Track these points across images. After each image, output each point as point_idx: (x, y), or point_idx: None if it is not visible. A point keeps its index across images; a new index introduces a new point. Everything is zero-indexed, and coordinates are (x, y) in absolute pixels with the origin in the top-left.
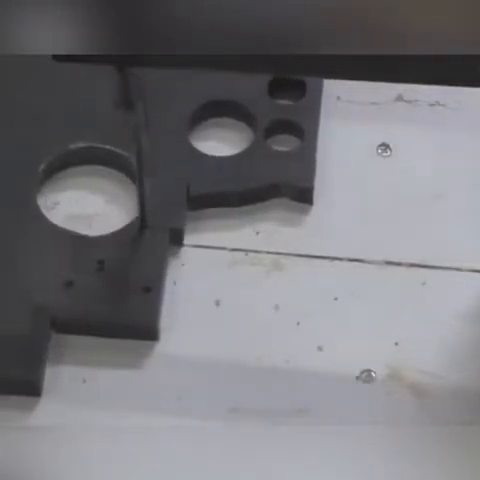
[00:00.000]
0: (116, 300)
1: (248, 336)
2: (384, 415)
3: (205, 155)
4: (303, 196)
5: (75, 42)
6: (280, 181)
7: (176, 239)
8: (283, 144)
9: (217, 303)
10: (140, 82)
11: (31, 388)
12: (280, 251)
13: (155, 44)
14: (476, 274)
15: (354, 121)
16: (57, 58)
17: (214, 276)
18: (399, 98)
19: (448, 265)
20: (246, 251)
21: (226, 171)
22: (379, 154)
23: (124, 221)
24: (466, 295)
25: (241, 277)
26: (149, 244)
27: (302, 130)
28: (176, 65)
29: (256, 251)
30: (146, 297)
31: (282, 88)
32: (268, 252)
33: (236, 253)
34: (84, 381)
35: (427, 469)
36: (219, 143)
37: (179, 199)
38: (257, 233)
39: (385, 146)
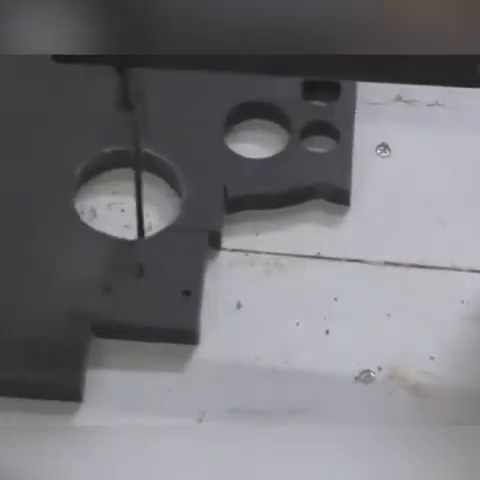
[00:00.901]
0: (156, 304)
1: (247, 336)
2: (384, 415)
3: (241, 157)
4: (339, 197)
5: (76, 42)
6: (316, 183)
7: (214, 242)
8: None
9: (216, 303)
10: (140, 82)
11: (72, 393)
12: (280, 251)
13: (154, 44)
14: (476, 274)
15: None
16: (57, 58)
17: (213, 276)
18: (398, 98)
19: (448, 265)
20: (246, 251)
21: (263, 173)
22: (378, 154)
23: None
24: (466, 295)
25: (240, 277)
26: (188, 247)
27: (337, 131)
28: (177, 66)
29: (256, 251)
30: (186, 300)
31: (315, 90)
32: (268, 252)
33: (235, 253)
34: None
35: (427, 469)
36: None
37: (217, 202)
38: (257, 234)
39: (384, 146)
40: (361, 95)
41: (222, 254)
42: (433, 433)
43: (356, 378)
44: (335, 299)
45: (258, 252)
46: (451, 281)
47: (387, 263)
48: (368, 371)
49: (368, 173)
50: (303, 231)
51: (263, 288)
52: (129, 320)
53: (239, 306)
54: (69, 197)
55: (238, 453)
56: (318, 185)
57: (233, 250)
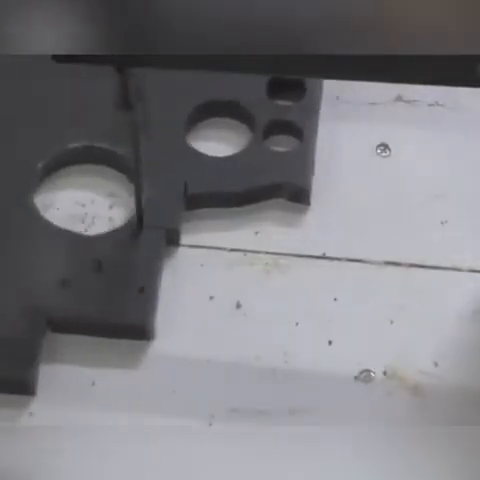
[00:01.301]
0: (111, 300)
1: (247, 336)
2: (384, 415)
3: (203, 155)
4: (300, 197)
5: (76, 42)
6: (278, 181)
7: (172, 239)
8: (281, 145)
9: (216, 303)
10: (140, 82)
11: (25, 387)
12: (279, 251)
13: (154, 44)
14: (476, 274)
15: (353, 121)
16: (57, 59)
17: (212, 276)
18: (398, 98)
19: (448, 265)
20: (245, 251)
21: (223, 171)
22: (378, 154)
23: (121, 220)
24: (466, 295)
25: (240, 277)
26: (145, 244)
27: (301, 131)
28: (176, 65)
29: (255, 251)
30: (141, 297)
31: (281, 88)
32: (267, 252)
33: (235, 253)
34: (79, 380)
35: (427, 469)
36: (217, 143)
37: (176, 199)
38: (256, 233)
39: (384, 146)
40: (361, 95)
41: (221, 253)
42: (433, 433)
43: (356, 378)
44: (335, 299)
45: (257, 252)
46: (451, 281)
47: (387, 263)
48: (368, 371)
49: (368, 173)
50: (303, 231)
51: (263, 288)
52: (84, 315)
53: (239, 306)
54: (29, 192)
55: (237, 453)
56: (278, 184)
57: (232, 250)
